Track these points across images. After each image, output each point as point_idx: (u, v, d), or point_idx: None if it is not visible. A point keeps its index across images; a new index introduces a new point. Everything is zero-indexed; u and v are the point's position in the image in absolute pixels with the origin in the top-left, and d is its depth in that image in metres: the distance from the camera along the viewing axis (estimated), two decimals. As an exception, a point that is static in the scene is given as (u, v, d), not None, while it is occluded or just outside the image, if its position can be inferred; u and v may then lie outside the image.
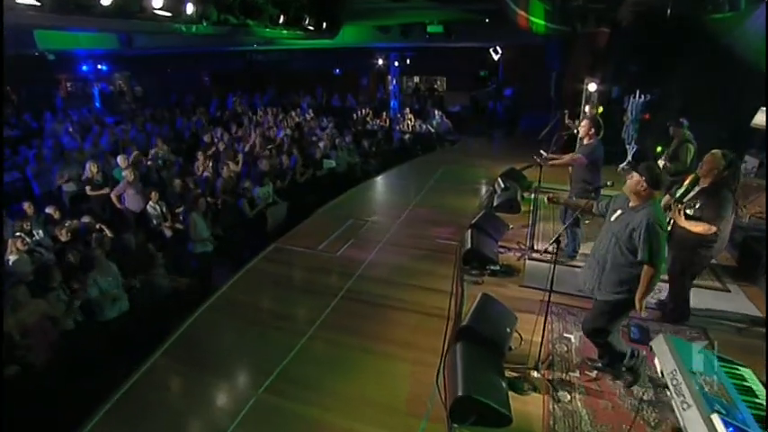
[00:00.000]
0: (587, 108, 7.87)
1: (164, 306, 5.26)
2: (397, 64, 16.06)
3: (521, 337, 4.04)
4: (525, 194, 7.86)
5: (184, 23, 6.36)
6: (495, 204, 7.27)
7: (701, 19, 7.55)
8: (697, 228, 3.89)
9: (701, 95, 8.08)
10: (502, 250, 5.82)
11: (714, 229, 3.84)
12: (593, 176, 5.20)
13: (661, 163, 6.78)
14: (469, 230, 5.79)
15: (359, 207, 7.56)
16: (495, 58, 13.84)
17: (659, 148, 9.20)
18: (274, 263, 5.68)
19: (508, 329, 3.98)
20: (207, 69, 19.97)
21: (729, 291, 5.04)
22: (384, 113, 15.06)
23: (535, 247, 5.90)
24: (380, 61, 16.49)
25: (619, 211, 3.20)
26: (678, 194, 4.20)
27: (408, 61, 16.38)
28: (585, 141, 5.19)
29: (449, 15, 10.76)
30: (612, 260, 3.17)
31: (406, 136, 13.48)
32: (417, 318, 4.43)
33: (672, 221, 4.17)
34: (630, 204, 3.15)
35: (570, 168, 5.43)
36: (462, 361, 3.48)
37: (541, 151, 5.42)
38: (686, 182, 4.22)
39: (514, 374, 3.66)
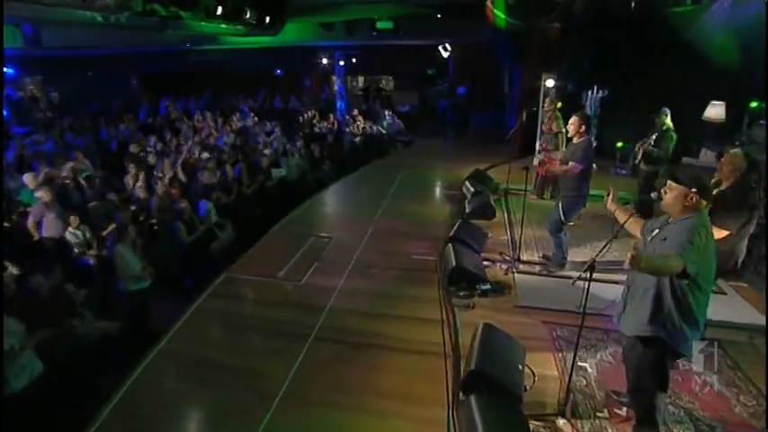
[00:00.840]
0: (546, 102, 7.50)
1: (90, 363, 4.20)
2: (342, 63, 15.26)
3: (533, 374, 3.43)
4: (495, 197, 7.39)
5: (100, 12, 5.20)
6: (467, 211, 6.69)
7: (662, 12, 7.39)
8: (720, 233, 3.46)
9: (658, 90, 7.94)
10: (487, 263, 5.23)
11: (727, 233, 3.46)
12: (583, 183, 4.73)
13: (639, 152, 6.57)
14: (450, 245, 5.15)
15: (318, 222, 6.71)
16: (445, 55, 13.39)
17: (619, 144, 9.15)
18: (226, 298, 4.72)
19: (519, 366, 3.36)
20: (135, 71, 17.99)
21: (726, 293, 4.75)
22: (331, 115, 14.22)
23: (521, 258, 5.35)
24: (324, 60, 15.58)
25: (656, 231, 2.62)
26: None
27: (354, 60, 15.59)
28: (576, 140, 4.68)
29: (398, 11, 10.12)
30: (644, 286, 2.59)
31: (357, 138, 12.75)
32: (410, 359, 3.69)
33: None
34: (670, 220, 2.58)
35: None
36: (480, 417, 2.80)
37: (539, 153, 4.78)
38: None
39: (538, 424, 3.03)
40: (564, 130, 7.13)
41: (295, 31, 11.74)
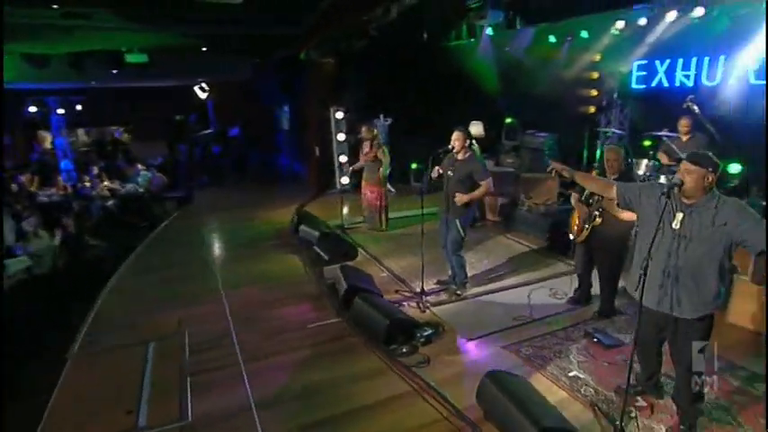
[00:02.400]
0: (364, 131, 7.36)
1: None
2: (63, 111, 11.72)
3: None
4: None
5: None
6: (327, 257, 5.78)
7: (442, 46, 8.30)
8: (628, 215, 3.82)
9: (439, 114, 8.87)
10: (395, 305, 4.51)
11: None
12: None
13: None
14: (357, 299, 4.23)
15: (145, 321, 4.56)
16: (203, 96, 11.84)
17: (414, 165, 9.84)
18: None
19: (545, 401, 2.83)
20: None
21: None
22: (57, 179, 10.64)
23: (424, 289, 4.84)
24: (33, 108, 11.48)
25: (680, 214, 2.57)
26: (589, 193, 4.06)
27: (80, 107, 12.06)
28: (461, 156, 4.53)
29: (158, 40, 8.25)
30: (695, 270, 2.52)
31: (110, 203, 9.92)
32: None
33: (590, 226, 4.03)
34: (689, 202, 2.56)
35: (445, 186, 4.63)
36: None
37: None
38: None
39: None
40: (388, 157, 7.10)
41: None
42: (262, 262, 6.09)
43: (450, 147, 4.54)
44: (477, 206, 6.55)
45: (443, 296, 4.80)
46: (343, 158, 9.71)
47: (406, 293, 4.87)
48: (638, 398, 3.07)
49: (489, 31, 7.86)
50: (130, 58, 8.72)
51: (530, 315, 4.36)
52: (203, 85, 11.61)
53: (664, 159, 5.55)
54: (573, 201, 4.24)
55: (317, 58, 9.20)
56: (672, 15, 6.40)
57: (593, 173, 4.15)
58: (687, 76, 6.52)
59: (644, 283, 2.45)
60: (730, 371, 3.34)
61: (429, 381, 3.36)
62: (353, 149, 8.68)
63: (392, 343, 3.79)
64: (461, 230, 4.59)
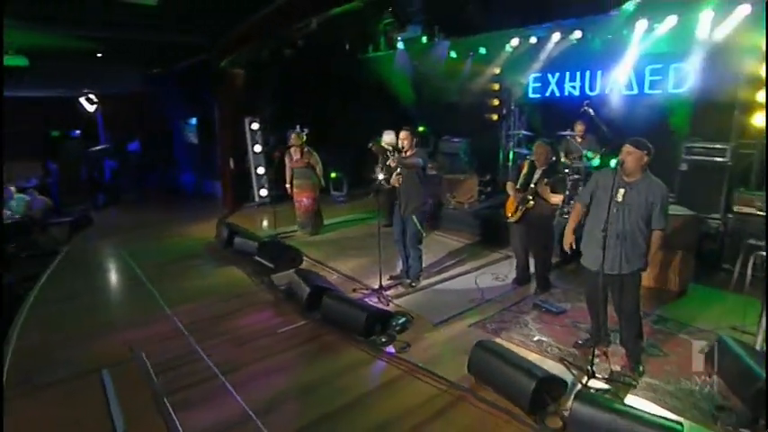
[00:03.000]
0: (293, 138, 7.24)
1: None
2: None
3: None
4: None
5: None
6: (274, 266, 5.65)
7: (360, 57, 8.58)
8: (556, 198, 4.48)
9: (356, 123, 9.17)
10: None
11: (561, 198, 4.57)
12: (426, 191, 4.99)
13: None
14: (325, 299, 4.27)
15: (83, 350, 4.00)
16: (91, 109, 10.60)
17: (333, 174, 9.95)
18: None
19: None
20: None
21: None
22: None
23: (382, 284, 5.00)
24: None
25: (622, 189, 3.14)
26: (523, 181, 4.64)
27: None
28: (410, 153, 4.82)
29: (39, 40, 7.24)
30: (633, 233, 3.13)
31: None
32: None
33: (524, 208, 4.61)
34: (629, 180, 3.16)
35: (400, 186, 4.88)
36: None
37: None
38: (523, 170, 4.70)
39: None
40: (320, 164, 7.18)
41: None
42: (199, 277, 5.73)
43: (399, 147, 4.83)
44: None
45: (401, 289, 5.03)
46: (261, 170, 9.51)
47: (365, 291, 4.98)
48: (594, 348, 3.60)
49: (401, 45, 8.41)
50: (9, 61, 7.56)
51: (482, 297, 4.79)
52: (91, 96, 10.43)
53: (564, 156, 6.47)
54: (508, 188, 4.79)
55: (231, 69, 8.91)
56: (557, 36, 7.52)
57: (525, 164, 4.75)
58: (574, 87, 7.68)
59: (605, 253, 2.99)
60: (646, 317, 4.06)
61: (416, 362, 3.54)
62: (277, 160, 8.56)
63: (371, 335, 3.91)
64: (418, 225, 4.88)
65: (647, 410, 2.67)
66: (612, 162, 6.37)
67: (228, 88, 9.16)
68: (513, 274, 5.18)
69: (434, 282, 5.25)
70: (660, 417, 2.55)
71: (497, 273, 5.43)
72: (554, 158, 4.70)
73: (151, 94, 10.96)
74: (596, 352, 3.36)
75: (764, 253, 3.98)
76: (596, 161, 6.27)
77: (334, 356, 3.77)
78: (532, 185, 4.55)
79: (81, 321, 4.56)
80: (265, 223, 7.52)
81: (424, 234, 5.09)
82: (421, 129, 9.52)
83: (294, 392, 3.30)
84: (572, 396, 2.81)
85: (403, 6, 6.01)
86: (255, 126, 9.23)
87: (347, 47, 7.71)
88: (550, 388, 2.95)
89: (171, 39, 8.10)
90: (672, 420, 2.53)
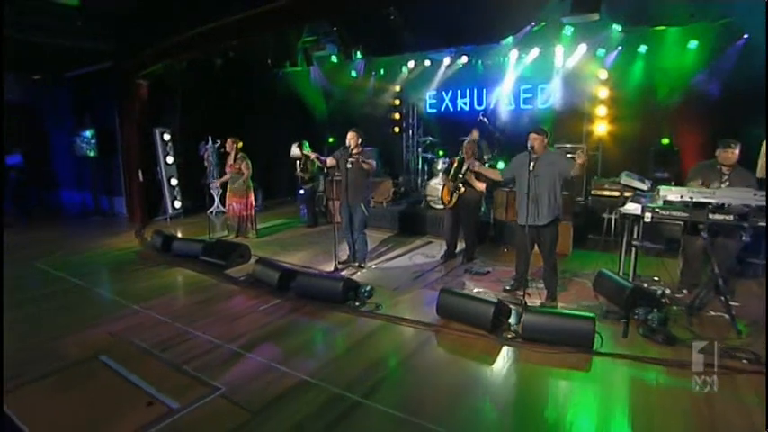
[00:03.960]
0: (228, 143, 7.44)
1: None
2: None
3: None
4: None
5: None
6: (226, 263, 5.96)
7: (276, 72, 9.12)
8: (481, 185, 5.74)
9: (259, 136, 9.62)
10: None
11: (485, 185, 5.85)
12: (370, 183, 5.87)
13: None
14: (299, 277, 4.89)
15: (60, 346, 3.93)
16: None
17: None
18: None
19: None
20: None
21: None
22: None
23: (337, 266, 5.70)
24: None
25: (532, 164, 4.42)
26: (454, 172, 5.83)
27: None
28: (356, 151, 5.65)
29: None
30: (549, 194, 4.42)
31: None
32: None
33: (458, 195, 5.79)
34: (536, 156, 4.45)
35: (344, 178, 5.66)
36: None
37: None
38: (455, 164, 5.89)
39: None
40: (251, 169, 7.58)
41: None
42: (150, 278, 5.75)
43: (346, 145, 5.65)
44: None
45: (352, 270, 5.79)
46: (174, 181, 9.40)
47: (324, 274, 5.63)
48: (518, 291, 4.82)
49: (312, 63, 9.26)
50: None
51: (421, 269, 5.80)
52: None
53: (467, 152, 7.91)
54: (442, 179, 5.93)
55: (138, 78, 8.75)
56: (447, 60, 9.12)
57: (456, 160, 5.95)
58: (465, 103, 9.32)
59: (528, 211, 4.22)
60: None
61: (392, 315, 4.37)
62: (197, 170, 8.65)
63: (346, 301, 4.62)
64: (365, 210, 5.73)
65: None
66: (501, 164, 7.97)
67: (134, 98, 8.94)
68: (440, 253, 6.30)
69: (377, 264, 6.11)
70: (580, 313, 3.79)
71: (426, 253, 6.54)
72: (480, 153, 5.99)
73: (30, 102, 9.98)
74: (521, 292, 4.58)
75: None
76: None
77: (321, 320, 4.39)
78: (460, 176, 5.76)
79: (53, 321, 4.42)
80: (180, 234, 7.62)
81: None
82: (330, 140, 10.45)
83: (299, 347, 3.86)
84: (520, 313, 3.93)
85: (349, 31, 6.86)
86: (167, 137, 9.13)
87: (269, 62, 8.25)
88: (501, 312, 4.03)
89: (78, 43, 7.77)
90: (586, 314, 3.77)
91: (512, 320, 4.07)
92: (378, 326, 4.23)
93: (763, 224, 3.81)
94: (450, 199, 5.88)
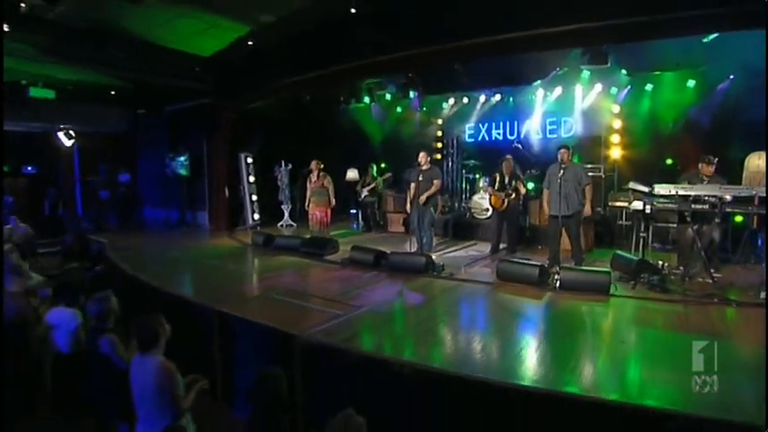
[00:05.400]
0: (313, 164, 9.50)
1: None
2: None
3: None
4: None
5: None
6: (320, 253, 7.89)
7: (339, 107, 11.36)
8: (522, 191, 7.64)
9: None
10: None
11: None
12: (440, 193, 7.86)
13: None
14: (390, 255, 6.77)
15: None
16: (68, 143, 11.53)
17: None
18: None
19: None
20: None
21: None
22: None
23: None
24: None
25: (561, 172, 6.32)
26: (499, 184, 7.77)
27: None
28: (425, 167, 7.62)
29: (72, 75, 8.68)
30: (572, 193, 6.31)
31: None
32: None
33: (508, 200, 7.71)
34: (564, 166, 6.36)
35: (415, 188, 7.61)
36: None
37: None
38: (497, 179, 7.83)
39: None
40: (332, 186, 9.59)
41: None
42: (268, 261, 7.76)
43: (418, 161, 7.63)
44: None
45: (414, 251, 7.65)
46: (254, 197, 11.50)
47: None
48: (552, 268, 6.59)
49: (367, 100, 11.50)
50: (35, 93, 8.81)
51: (474, 258, 7.64)
52: (71, 132, 11.47)
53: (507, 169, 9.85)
54: (488, 191, 7.84)
55: (228, 113, 11.02)
56: (482, 98, 11.24)
57: (497, 175, 7.91)
58: (498, 133, 11.35)
59: (560, 205, 6.13)
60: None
61: (462, 278, 6.21)
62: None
63: (428, 271, 6.46)
64: (433, 212, 7.65)
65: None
66: (530, 184, 9.83)
67: (223, 128, 11.19)
68: (487, 250, 8.13)
69: (439, 255, 7.97)
70: (600, 269, 5.60)
71: (476, 249, 8.39)
72: (516, 171, 7.94)
73: (132, 132, 12.34)
74: (555, 269, 6.37)
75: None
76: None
77: (411, 281, 6.20)
78: (508, 186, 7.71)
79: (222, 281, 6.35)
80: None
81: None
82: (383, 165, 12.52)
83: (401, 292, 5.71)
84: (557, 272, 5.75)
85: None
86: (250, 160, 11.31)
87: (341, 99, 10.47)
88: (543, 272, 5.82)
89: (184, 84, 10.07)
90: (604, 269, 5.57)
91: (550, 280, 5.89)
92: (454, 285, 6.06)
93: (730, 210, 5.61)
94: (502, 204, 7.80)
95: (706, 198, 5.71)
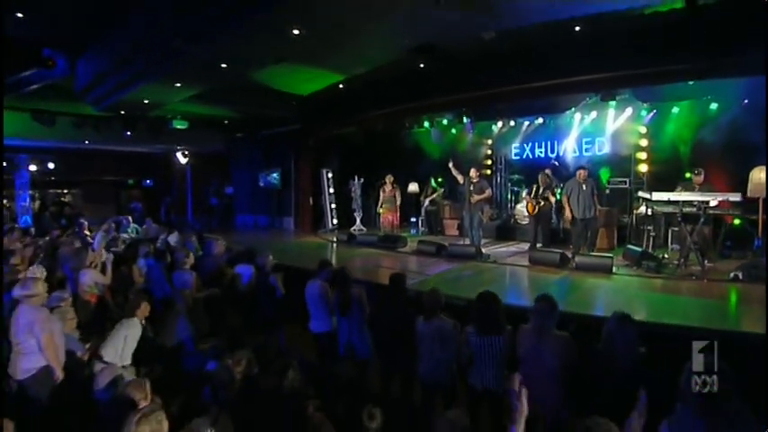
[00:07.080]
0: (387, 178, 12.22)
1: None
2: (35, 168, 13.40)
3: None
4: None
5: None
6: (395, 247, 10.46)
7: (403, 131, 14.06)
8: (552, 199, 9.90)
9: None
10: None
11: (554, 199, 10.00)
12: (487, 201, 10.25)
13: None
14: (449, 246, 9.23)
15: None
16: (183, 161, 14.93)
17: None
18: None
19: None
20: None
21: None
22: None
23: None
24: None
25: (583, 185, 8.57)
26: (534, 194, 10.06)
27: (52, 165, 13.60)
28: (476, 180, 10.04)
29: (200, 110, 11.82)
30: (589, 202, 8.53)
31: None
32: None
33: (539, 207, 9.98)
34: (582, 180, 8.61)
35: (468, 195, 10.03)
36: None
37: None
38: (534, 189, 10.13)
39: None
40: (400, 195, 12.18)
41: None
42: (355, 251, 10.35)
43: (470, 175, 10.07)
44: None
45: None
46: (333, 206, 14.32)
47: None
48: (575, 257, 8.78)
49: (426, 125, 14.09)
50: (177, 124, 12.03)
51: (515, 252, 9.93)
52: (186, 151, 14.86)
53: (543, 181, 12.05)
54: (527, 199, 10.14)
55: (316, 139, 13.99)
56: (527, 123, 13.55)
57: (534, 187, 10.21)
58: (541, 152, 13.58)
59: (581, 211, 8.40)
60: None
61: (502, 263, 8.56)
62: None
63: (477, 258, 8.85)
64: (482, 216, 10.03)
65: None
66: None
67: (309, 148, 14.15)
68: (526, 247, 10.37)
69: (487, 250, 10.31)
70: (605, 254, 7.81)
71: (517, 247, 10.66)
72: (551, 182, 10.20)
73: (231, 151, 15.61)
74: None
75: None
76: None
77: (465, 264, 8.60)
78: (540, 195, 9.99)
79: None
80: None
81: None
82: (440, 180, 15.03)
83: (459, 270, 8.13)
84: (573, 257, 7.99)
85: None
86: (330, 175, 14.17)
87: (406, 125, 13.14)
88: (563, 258, 8.04)
89: (279, 114, 13.06)
90: (608, 255, 7.77)
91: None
92: (496, 266, 8.42)
93: (713, 211, 7.64)
94: (534, 209, 10.07)
95: (694, 202, 7.77)
